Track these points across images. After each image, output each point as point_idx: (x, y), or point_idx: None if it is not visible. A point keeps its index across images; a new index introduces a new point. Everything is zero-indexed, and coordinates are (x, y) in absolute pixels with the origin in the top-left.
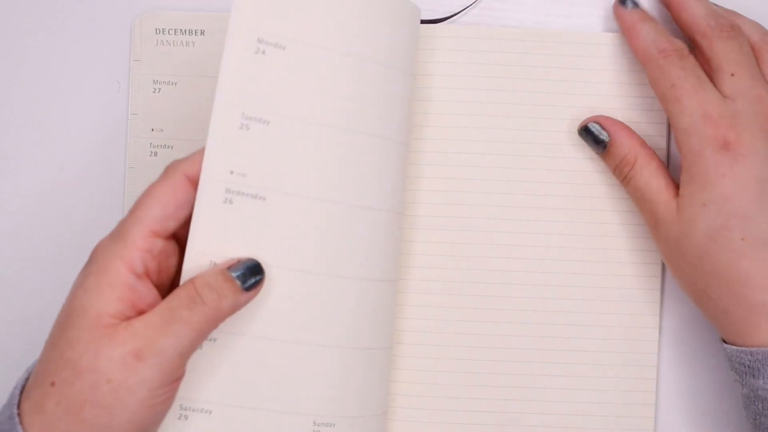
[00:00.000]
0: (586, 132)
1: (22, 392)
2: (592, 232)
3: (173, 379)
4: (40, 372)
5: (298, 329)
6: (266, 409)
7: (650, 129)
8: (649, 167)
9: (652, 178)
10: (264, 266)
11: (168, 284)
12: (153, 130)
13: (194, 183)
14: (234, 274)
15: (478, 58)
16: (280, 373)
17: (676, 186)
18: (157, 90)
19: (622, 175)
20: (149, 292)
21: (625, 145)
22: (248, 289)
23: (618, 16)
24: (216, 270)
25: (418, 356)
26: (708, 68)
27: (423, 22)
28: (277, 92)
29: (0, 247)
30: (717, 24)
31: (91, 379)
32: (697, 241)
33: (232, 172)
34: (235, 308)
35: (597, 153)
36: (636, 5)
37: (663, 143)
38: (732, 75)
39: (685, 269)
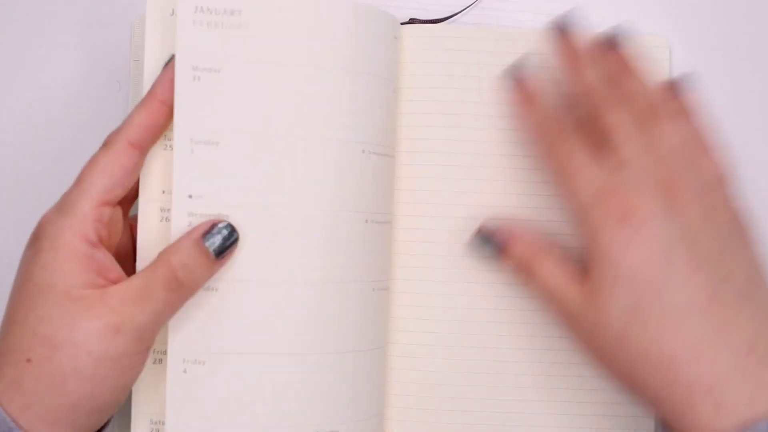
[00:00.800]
0: (477, 240)
1: None
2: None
3: (148, 347)
4: (9, 350)
5: (288, 341)
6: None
7: None
8: (546, 265)
9: (551, 277)
10: (243, 277)
11: (115, 245)
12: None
13: (138, 148)
14: (209, 246)
15: (479, 59)
16: (275, 387)
17: (582, 272)
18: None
19: (521, 280)
20: (106, 257)
21: (516, 252)
22: (222, 257)
23: (509, 89)
24: (191, 243)
25: (410, 356)
26: (599, 137)
27: (424, 22)
28: (221, 113)
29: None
30: (606, 91)
31: (70, 353)
32: (615, 324)
33: (190, 196)
34: (210, 278)
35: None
36: (523, 79)
37: None
38: (622, 142)
39: (608, 358)
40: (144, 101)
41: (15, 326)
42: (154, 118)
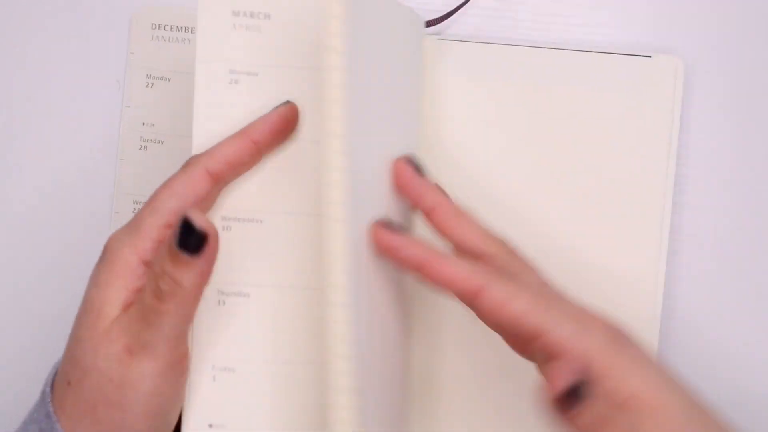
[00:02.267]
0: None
1: (52, 389)
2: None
3: (171, 363)
4: (60, 370)
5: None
6: None
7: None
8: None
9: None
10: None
11: None
12: (144, 124)
13: (214, 178)
14: (180, 248)
15: (492, 75)
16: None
17: None
18: (150, 85)
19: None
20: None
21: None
22: (198, 253)
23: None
24: (164, 252)
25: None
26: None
27: (432, 23)
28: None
29: (6, 241)
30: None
31: (96, 379)
32: None
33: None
34: (202, 277)
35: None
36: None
37: (662, 166)
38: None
39: None
40: (236, 135)
41: (67, 347)
42: (240, 155)
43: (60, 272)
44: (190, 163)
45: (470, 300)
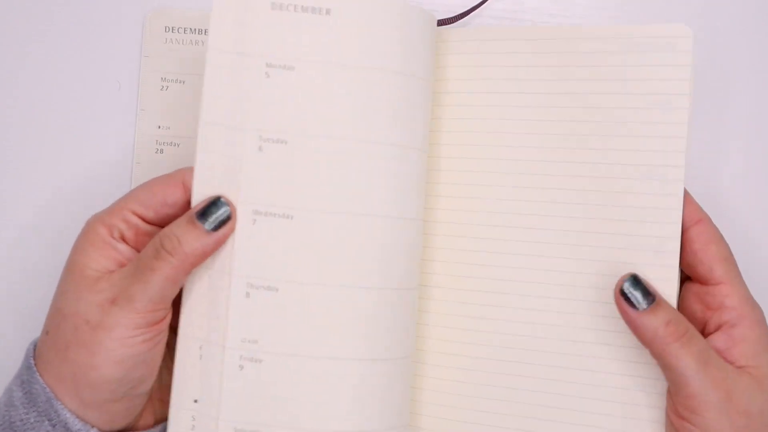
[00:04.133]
0: (630, 280)
1: (35, 348)
2: (612, 244)
3: (150, 321)
4: (44, 325)
5: (315, 343)
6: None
7: (670, 129)
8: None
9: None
10: (303, 279)
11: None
12: (159, 127)
13: (187, 191)
14: (198, 217)
15: (517, 61)
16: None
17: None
18: (164, 87)
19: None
20: (130, 252)
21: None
22: (215, 229)
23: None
24: (183, 217)
25: (442, 365)
26: None
27: (446, 21)
28: (290, 112)
29: (7, 240)
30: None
31: (73, 322)
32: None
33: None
34: (205, 250)
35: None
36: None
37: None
38: None
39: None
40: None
41: (51, 303)
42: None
43: None
44: (175, 171)
45: (687, 226)
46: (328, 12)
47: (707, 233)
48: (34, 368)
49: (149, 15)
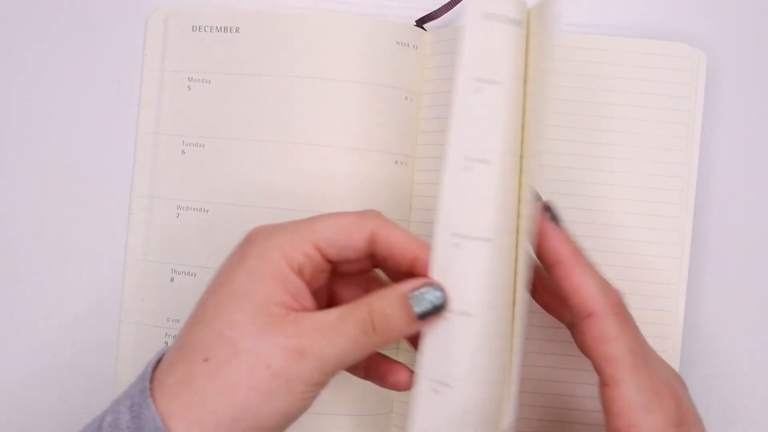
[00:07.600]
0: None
1: (154, 369)
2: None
3: (323, 383)
4: (188, 347)
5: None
6: None
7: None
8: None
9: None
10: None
11: (314, 292)
12: (183, 127)
13: (373, 242)
14: (414, 305)
15: None
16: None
17: None
18: (189, 87)
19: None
20: (305, 288)
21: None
22: (423, 318)
23: None
24: (396, 295)
25: None
26: None
27: (424, 20)
28: (491, 129)
29: (8, 239)
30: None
31: (250, 361)
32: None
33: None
34: (407, 335)
35: None
36: None
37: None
38: None
39: None
40: (420, 244)
41: (200, 325)
42: (404, 257)
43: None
44: (369, 214)
45: (579, 317)
46: (237, 30)
47: (598, 329)
48: (148, 392)
49: (173, 13)
